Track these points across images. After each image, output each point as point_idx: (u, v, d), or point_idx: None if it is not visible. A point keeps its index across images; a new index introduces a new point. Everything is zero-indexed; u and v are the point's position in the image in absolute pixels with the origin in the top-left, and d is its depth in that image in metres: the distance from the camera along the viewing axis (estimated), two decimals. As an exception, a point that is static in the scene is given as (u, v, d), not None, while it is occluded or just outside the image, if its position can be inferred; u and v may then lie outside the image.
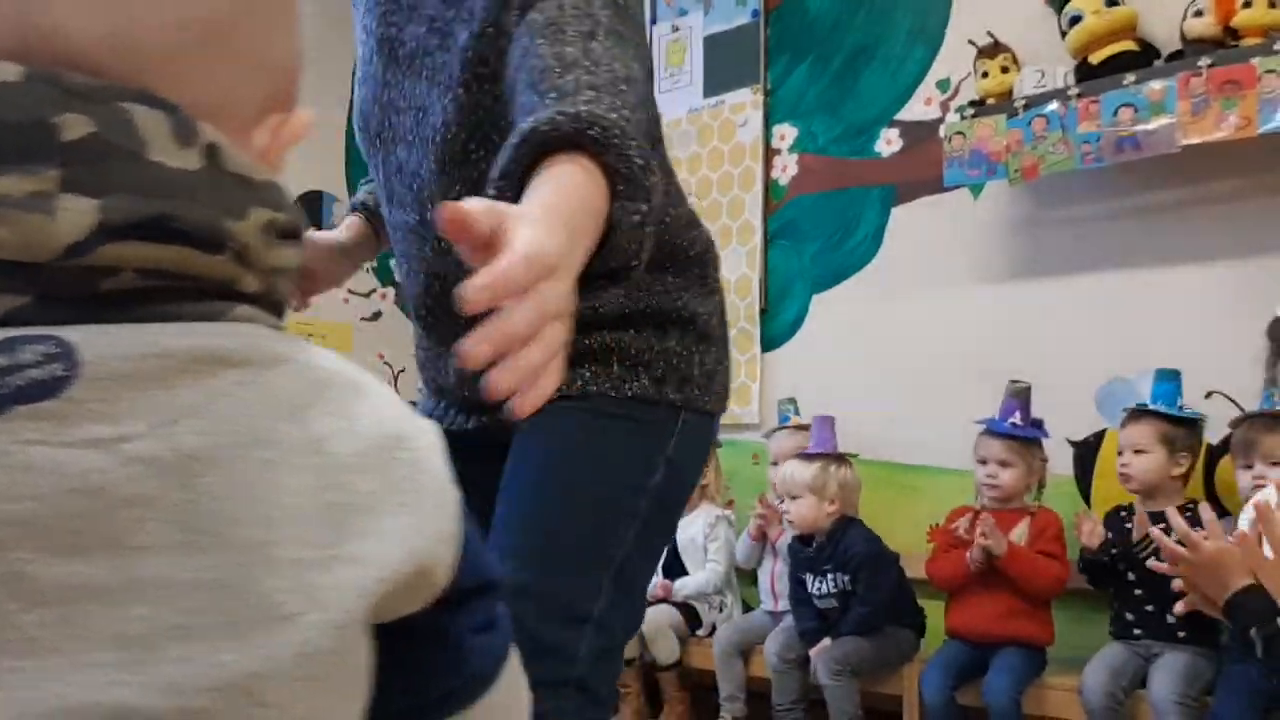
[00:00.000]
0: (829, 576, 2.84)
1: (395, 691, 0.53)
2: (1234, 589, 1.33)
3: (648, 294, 1.22)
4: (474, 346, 0.58)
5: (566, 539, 1.18)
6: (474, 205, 0.63)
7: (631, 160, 0.86)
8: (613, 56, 1.01)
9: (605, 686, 1.19)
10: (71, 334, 0.43)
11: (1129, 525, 2.53)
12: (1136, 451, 2.53)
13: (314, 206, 4.23)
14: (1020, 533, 2.68)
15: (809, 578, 2.88)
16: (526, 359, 0.60)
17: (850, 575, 2.81)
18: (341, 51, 4.41)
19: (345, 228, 1.44)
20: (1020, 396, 2.76)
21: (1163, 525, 2.45)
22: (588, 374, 1.20)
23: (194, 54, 0.49)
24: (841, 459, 2.94)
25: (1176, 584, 1.46)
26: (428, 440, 0.54)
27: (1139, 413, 2.57)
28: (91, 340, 0.43)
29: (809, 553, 2.89)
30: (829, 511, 2.86)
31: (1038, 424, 2.76)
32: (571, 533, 1.18)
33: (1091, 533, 2.53)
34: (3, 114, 0.43)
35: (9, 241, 0.42)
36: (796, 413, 3.23)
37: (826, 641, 2.76)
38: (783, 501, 2.92)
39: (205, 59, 0.50)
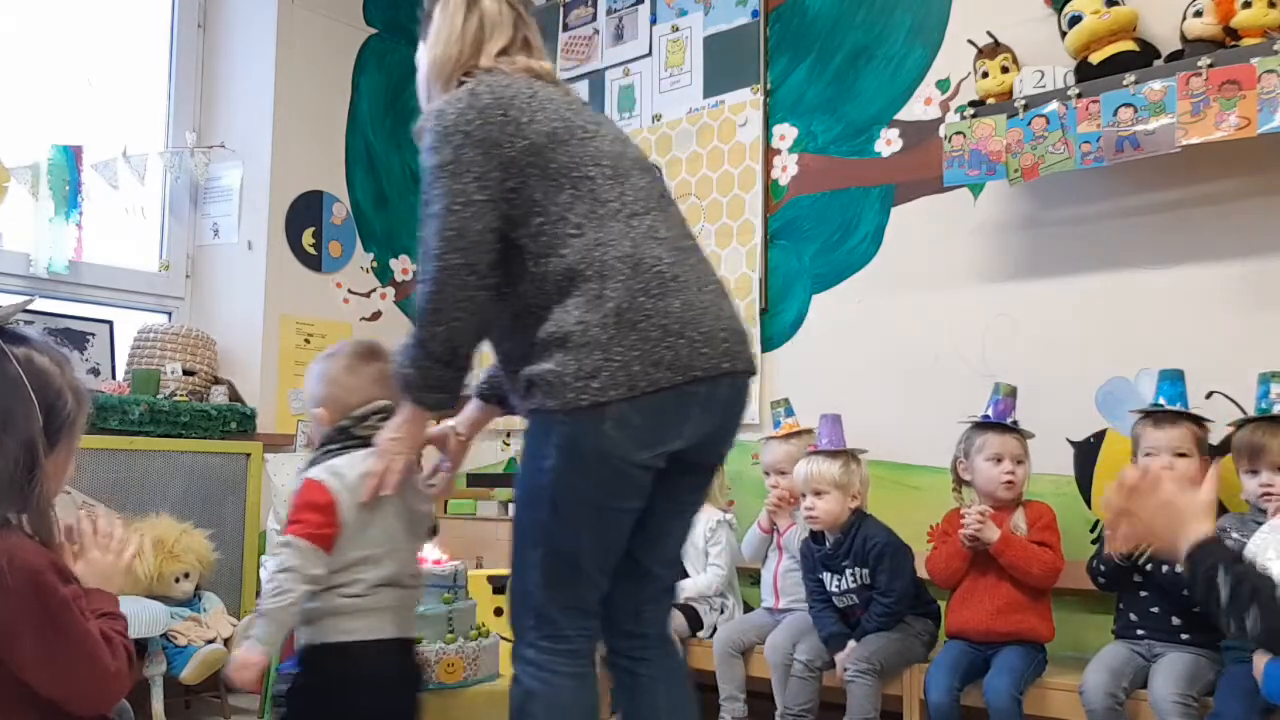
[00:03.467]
0: (847, 572, 2.82)
1: None
2: (1196, 538, 1.30)
3: (544, 321, 1.72)
4: None
5: (518, 520, 1.81)
6: None
7: (407, 392, 1.83)
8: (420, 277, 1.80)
9: (554, 600, 1.77)
10: None
11: None
12: (1179, 455, 2.48)
13: (315, 206, 4.23)
14: (1017, 521, 2.69)
15: (827, 576, 2.87)
16: None
17: (870, 568, 2.80)
18: (344, 56, 4.42)
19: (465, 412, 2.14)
20: (1013, 396, 2.77)
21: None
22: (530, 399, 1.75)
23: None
24: (855, 455, 2.93)
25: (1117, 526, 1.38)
26: None
27: (1175, 415, 2.52)
28: None
29: (825, 551, 2.88)
30: (850, 507, 2.86)
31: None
32: (520, 516, 1.81)
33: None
34: None
35: None
36: (789, 414, 3.22)
37: (853, 644, 2.74)
38: (805, 498, 2.90)
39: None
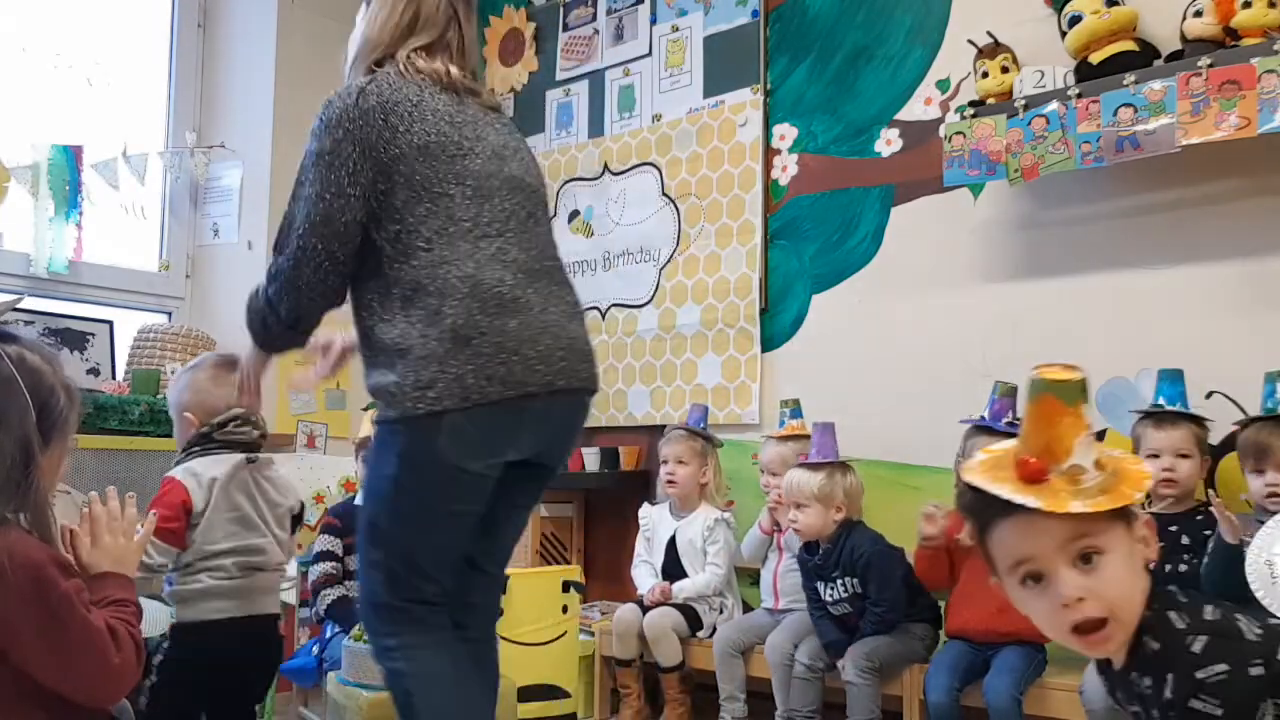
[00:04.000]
0: (838, 582, 2.83)
1: None
2: None
3: (388, 329, 1.84)
4: None
5: (362, 523, 1.94)
6: None
7: (250, 332, 2.00)
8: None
9: (395, 592, 1.88)
10: None
11: None
12: (1181, 456, 2.47)
13: (314, 207, 4.23)
14: None
15: (820, 586, 2.88)
16: None
17: (859, 577, 2.80)
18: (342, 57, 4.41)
19: None
20: (1012, 396, 2.76)
21: (1175, 528, 2.45)
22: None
23: None
24: (845, 466, 2.93)
25: None
26: None
27: (1177, 416, 2.51)
28: None
29: (816, 560, 2.88)
30: (834, 519, 2.86)
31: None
32: (364, 520, 1.93)
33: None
34: None
35: None
36: (797, 415, 3.21)
37: (852, 647, 2.76)
38: (790, 510, 2.91)
39: None
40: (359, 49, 2.05)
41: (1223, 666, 1.15)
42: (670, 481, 3.34)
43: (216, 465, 2.25)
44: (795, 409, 3.23)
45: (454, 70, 2.00)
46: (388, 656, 1.90)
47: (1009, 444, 1.26)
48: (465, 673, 1.92)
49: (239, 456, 2.30)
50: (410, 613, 1.89)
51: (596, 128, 4.11)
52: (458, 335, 1.80)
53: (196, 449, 2.29)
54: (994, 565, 1.25)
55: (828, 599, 2.86)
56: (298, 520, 2.42)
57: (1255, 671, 1.16)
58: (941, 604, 2.87)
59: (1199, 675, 1.15)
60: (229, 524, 2.22)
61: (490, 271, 1.85)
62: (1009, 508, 1.17)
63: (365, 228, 1.87)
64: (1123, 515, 1.19)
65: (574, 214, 4.15)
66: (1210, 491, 2.48)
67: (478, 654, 2.02)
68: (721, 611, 3.24)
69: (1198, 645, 1.17)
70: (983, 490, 1.20)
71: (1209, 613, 1.21)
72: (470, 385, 1.78)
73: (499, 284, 1.85)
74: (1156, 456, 2.50)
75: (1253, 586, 1.97)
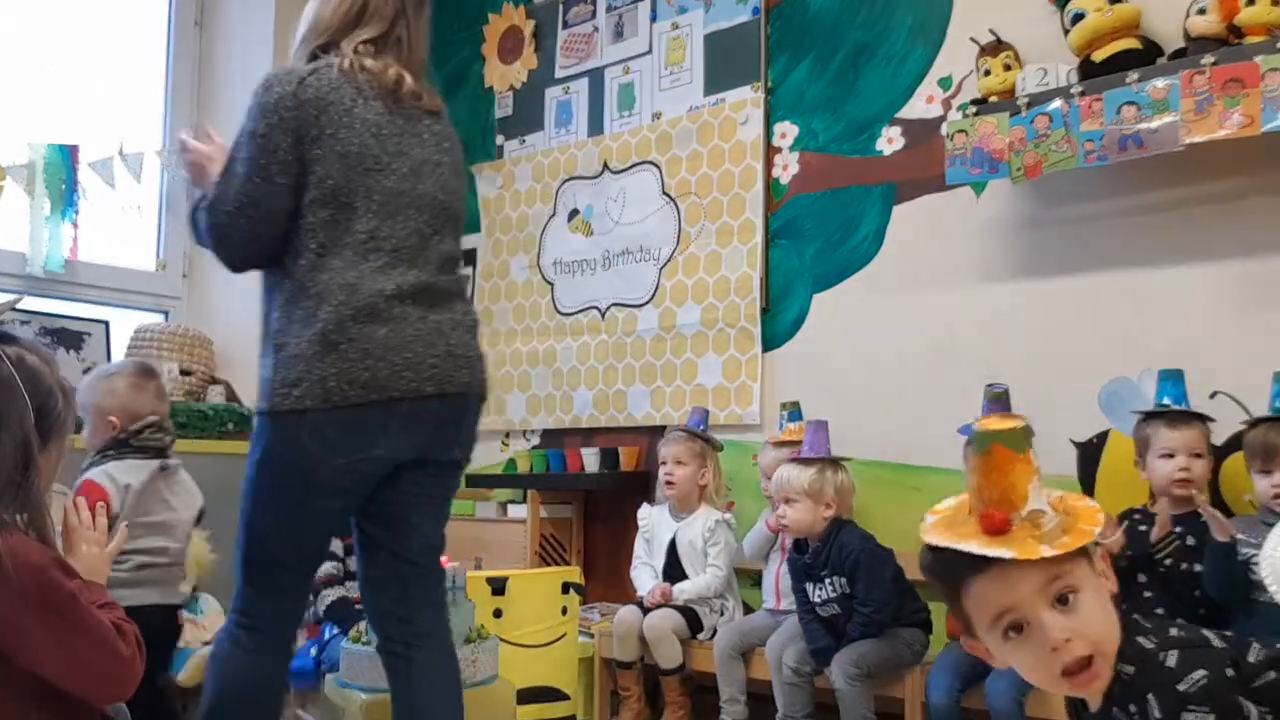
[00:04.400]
0: (827, 581, 2.81)
1: None
2: None
3: (274, 320, 1.94)
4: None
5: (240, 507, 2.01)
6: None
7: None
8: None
9: (249, 577, 1.98)
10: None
11: (1143, 528, 2.49)
12: (1195, 455, 2.46)
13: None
14: None
15: (809, 587, 2.86)
16: None
17: (848, 576, 2.78)
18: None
19: None
20: (1001, 400, 2.73)
21: (1180, 529, 2.44)
22: None
23: None
24: (837, 463, 2.91)
25: None
26: None
27: (1189, 415, 2.49)
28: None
29: (805, 560, 2.87)
30: (824, 516, 2.84)
31: None
32: (241, 504, 1.99)
33: (1115, 539, 2.43)
34: None
35: None
36: (796, 418, 3.19)
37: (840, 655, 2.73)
38: (779, 506, 2.90)
39: None
40: (308, 29, 2.07)
41: (1201, 673, 1.18)
42: (669, 482, 3.32)
43: (131, 472, 2.38)
44: (794, 411, 3.21)
45: (400, 74, 2.01)
46: (220, 634, 2.03)
47: (955, 500, 1.28)
48: (263, 686, 1.99)
49: (154, 464, 2.42)
50: (253, 606, 1.98)
51: (596, 126, 4.09)
52: (326, 339, 1.87)
53: (111, 453, 2.39)
54: (971, 624, 1.26)
55: (816, 600, 2.84)
56: (198, 520, 2.60)
57: (1230, 673, 1.19)
58: (941, 606, 2.85)
59: (1181, 688, 1.18)
60: (136, 528, 2.30)
61: (371, 283, 1.91)
62: (981, 563, 1.19)
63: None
64: (1083, 551, 1.21)
65: (573, 213, 4.13)
66: (1192, 491, 2.47)
67: (422, 647, 2.06)
68: (722, 613, 3.23)
69: (1171, 660, 1.20)
70: (949, 550, 1.21)
71: (1174, 630, 1.25)
72: (332, 388, 1.86)
73: (376, 295, 1.90)
74: (1170, 456, 2.48)
75: (1268, 585, 1.95)
